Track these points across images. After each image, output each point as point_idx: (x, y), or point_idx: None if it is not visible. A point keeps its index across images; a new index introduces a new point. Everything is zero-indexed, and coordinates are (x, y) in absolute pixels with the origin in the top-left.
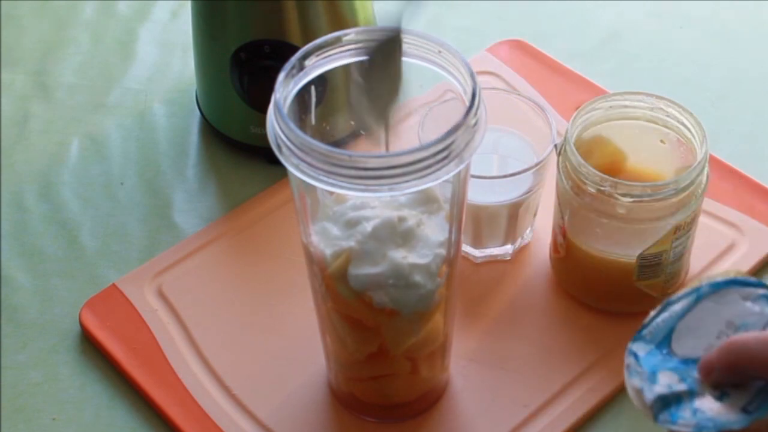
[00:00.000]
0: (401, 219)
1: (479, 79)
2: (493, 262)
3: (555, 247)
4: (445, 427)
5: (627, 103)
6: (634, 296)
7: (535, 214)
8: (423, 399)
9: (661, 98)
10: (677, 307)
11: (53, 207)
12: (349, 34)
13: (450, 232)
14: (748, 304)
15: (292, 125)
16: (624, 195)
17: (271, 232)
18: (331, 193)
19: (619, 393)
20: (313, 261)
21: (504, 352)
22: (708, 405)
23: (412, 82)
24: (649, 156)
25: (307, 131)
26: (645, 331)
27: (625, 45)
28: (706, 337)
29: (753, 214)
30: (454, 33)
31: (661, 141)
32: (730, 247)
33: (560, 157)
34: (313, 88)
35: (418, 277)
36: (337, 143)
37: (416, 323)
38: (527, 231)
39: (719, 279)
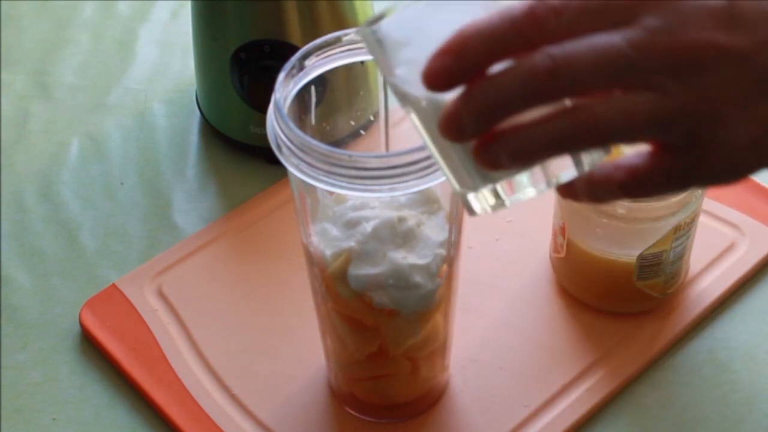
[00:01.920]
0: (401, 219)
1: None
2: (493, 262)
3: (555, 247)
4: (445, 427)
5: None
6: (634, 296)
7: None
8: (423, 399)
9: None
10: None
11: (53, 207)
12: (349, 34)
13: (450, 232)
14: None
15: (292, 125)
16: None
17: (271, 232)
18: (331, 193)
19: (619, 393)
20: (313, 261)
21: (504, 352)
22: None
23: None
24: None
25: (307, 131)
26: None
27: None
28: None
29: (753, 214)
30: None
31: None
32: (730, 247)
33: None
34: (313, 88)
35: (418, 278)
36: (337, 143)
37: (416, 323)
38: None
39: None
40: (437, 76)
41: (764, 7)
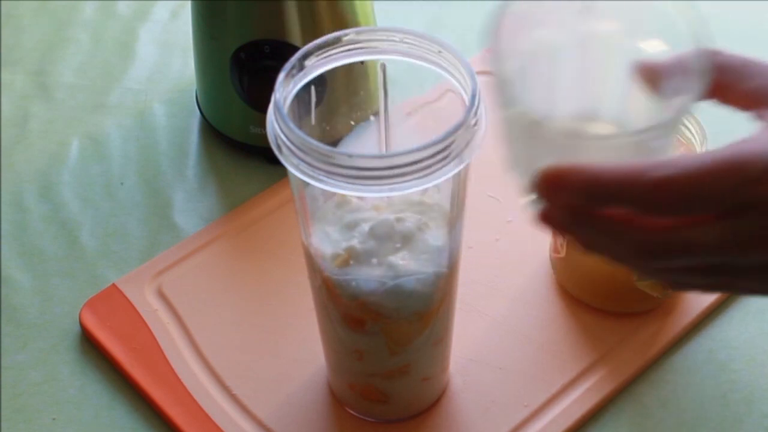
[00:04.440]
0: (399, 220)
1: (479, 79)
2: (493, 261)
3: (555, 247)
4: (445, 427)
5: None
6: (634, 296)
7: None
8: (423, 399)
9: None
10: None
11: (53, 207)
12: (349, 34)
13: (450, 233)
14: None
15: (292, 125)
16: None
17: (271, 232)
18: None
19: (619, 393)
20: (313, 261)
21: (504, 352)
22: None
23: (412, 82)
24: None
25: (307, 131)
26: None
27: None
28: None
29: None
30: (454, 33)
31: None
32: None
33: None
34: (313, 88)
35: (417, 283)
36: (337, 143)
37: (416, 323)
38: None
39: None
40: (551, 213)
41: None
